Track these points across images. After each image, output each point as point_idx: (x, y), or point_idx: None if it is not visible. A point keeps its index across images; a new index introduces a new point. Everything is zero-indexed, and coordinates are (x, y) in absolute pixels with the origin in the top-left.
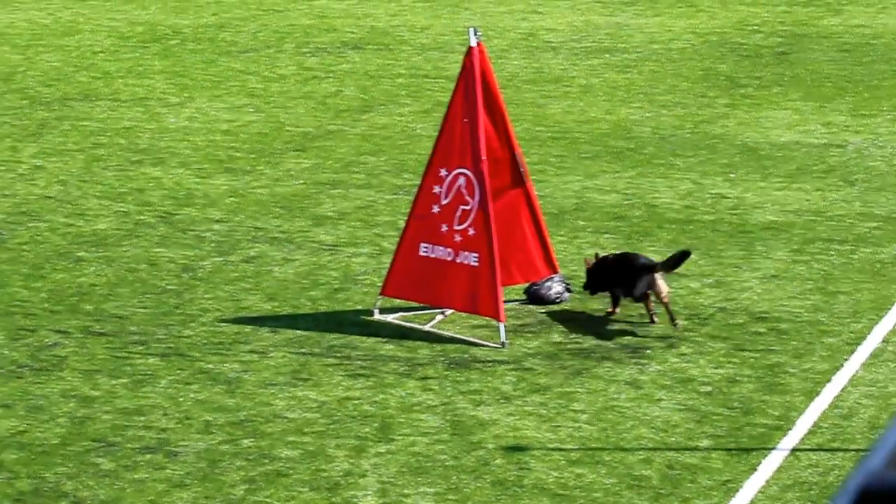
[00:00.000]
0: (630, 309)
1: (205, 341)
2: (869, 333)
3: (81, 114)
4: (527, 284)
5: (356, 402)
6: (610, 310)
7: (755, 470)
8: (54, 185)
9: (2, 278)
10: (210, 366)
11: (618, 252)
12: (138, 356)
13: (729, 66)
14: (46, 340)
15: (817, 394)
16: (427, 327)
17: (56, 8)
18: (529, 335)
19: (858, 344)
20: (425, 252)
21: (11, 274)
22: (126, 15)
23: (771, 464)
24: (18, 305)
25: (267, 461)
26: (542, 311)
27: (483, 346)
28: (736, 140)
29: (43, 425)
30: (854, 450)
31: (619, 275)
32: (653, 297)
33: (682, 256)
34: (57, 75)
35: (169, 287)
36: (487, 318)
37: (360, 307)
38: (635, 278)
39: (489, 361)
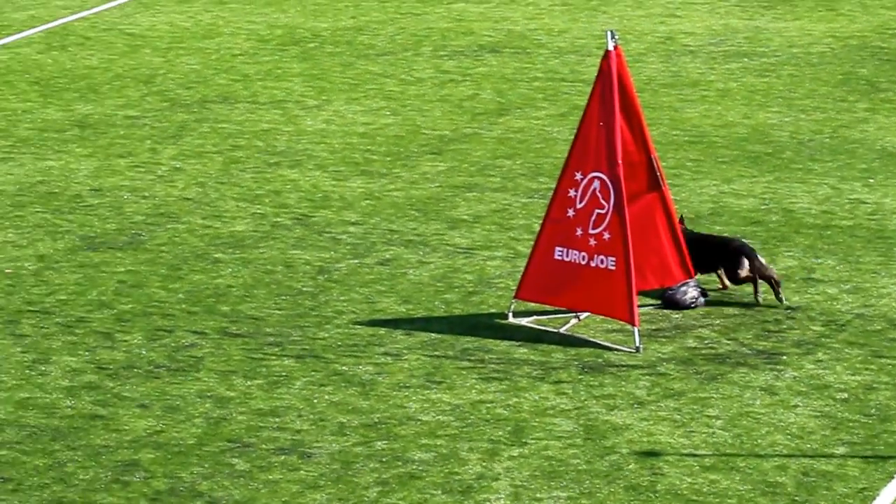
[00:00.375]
0: (766, 314)
1: (339, 343)
2: None
3: (220, 116)
4: (661, 289)
5: (489, 405)
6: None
7: (892, 478)
8: (193, 187)
9: (140, 279)
10: (344, 368)
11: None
12: (274, 357)
13: (869, 70)
14: (183, 341)
15: None
16: (561, 331)
17: (196, 11)
18: (664, 340)
19: None
20: (560, 255)
21: (150, 275)
22: (265, 18)
23: None
24: (156, 306)
25: (400, 463)
26: (677, 315)
27: (617, 350)
28: (875, 145)
29: (179, 425)
30: None
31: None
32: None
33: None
34: (196, 78)
35: (304, 289)
36: (622, 322)
37: (494, 310)
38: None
39: (623, 366)
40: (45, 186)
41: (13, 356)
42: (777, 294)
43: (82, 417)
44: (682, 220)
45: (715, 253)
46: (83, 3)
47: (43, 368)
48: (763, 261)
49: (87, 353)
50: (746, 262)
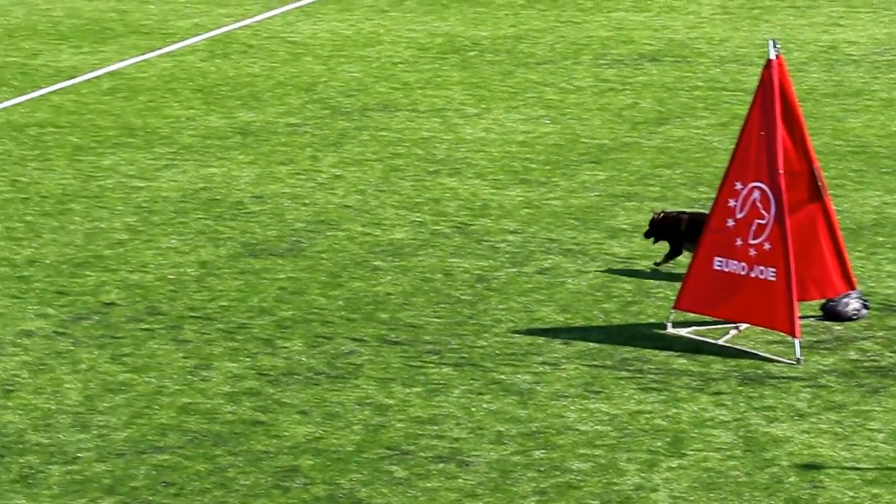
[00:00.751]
0: None
1: (498, 352)
2: None
3: (380, 124)
4: (823, 300)
5: (648, 415)
6: (659, 262)
7: None
8: (353, 195)
9: (300, 286)
10: (503, 376)
11: (691, 211)
12: (432, 365)
13: None
14: (343, 348)
15: None
16: (720, 342)
17: (358, 19)
18: (825, 352)
19: None
20: (719, 266)
21: (310, 282)
22: (426, 26)
23: None
24: (316, 313)
25: (558, 473)
26: (839, 327)
27: (777, 361)
28: None
29: (339, 432)
30: None
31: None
32: None
33: None
34: (357, 86)
35: (463, 297)
36: (782, 333)
37: (653, 320)
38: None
39: (783, 378)
40: (207, 193)
41: (176, 361)
42: None
43: (243, 423)
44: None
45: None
46: (246, 12)
47: (205, 374)
48: None
49: (248, 360)
50: None
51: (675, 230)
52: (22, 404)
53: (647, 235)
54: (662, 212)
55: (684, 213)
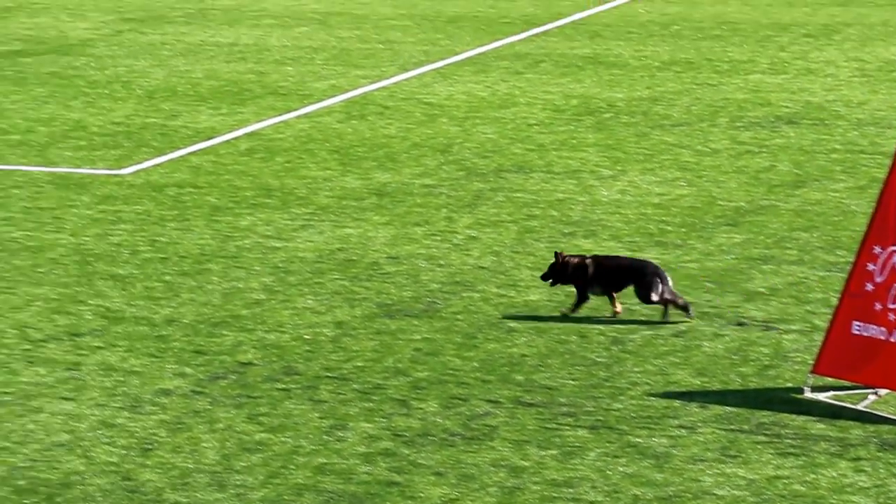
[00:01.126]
0: None
1: (633, 415)
2: None
3: (515, 185)
4: None
5: (786, 481)
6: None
7: None
8: (488, 256)
9: (436, 347)
10: (638, 439)
11: (594, 255)
12: (567, 428)
13: None
14: (478, 410)
15: None
16: (860, 407)
17: (493, 81)
18: None
19: None
20: (858, 330)
21: (445, 343)
22: (561, 88)
23: None
24: (451, 374)
25: None
26: None
27: None
28: None
29: (473, 494)
30: None
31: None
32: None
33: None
34: (493, 147)
35: (599, 359)
36: None
37: (790, 385)
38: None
39: None
40: (343, 254)
41: (312, 422)
42: (688, 314)
43: (378, 484)
44: (558, 255)
45: (628, 275)
46: (382, 73)
47: (340, 434)
48: (671, 286)
49: (383, 420)
50: (660, 286)
51: (582, 275)
52: (160, 463)
53: (544, 278)
54: (563, 255)
55: (586, 257)
